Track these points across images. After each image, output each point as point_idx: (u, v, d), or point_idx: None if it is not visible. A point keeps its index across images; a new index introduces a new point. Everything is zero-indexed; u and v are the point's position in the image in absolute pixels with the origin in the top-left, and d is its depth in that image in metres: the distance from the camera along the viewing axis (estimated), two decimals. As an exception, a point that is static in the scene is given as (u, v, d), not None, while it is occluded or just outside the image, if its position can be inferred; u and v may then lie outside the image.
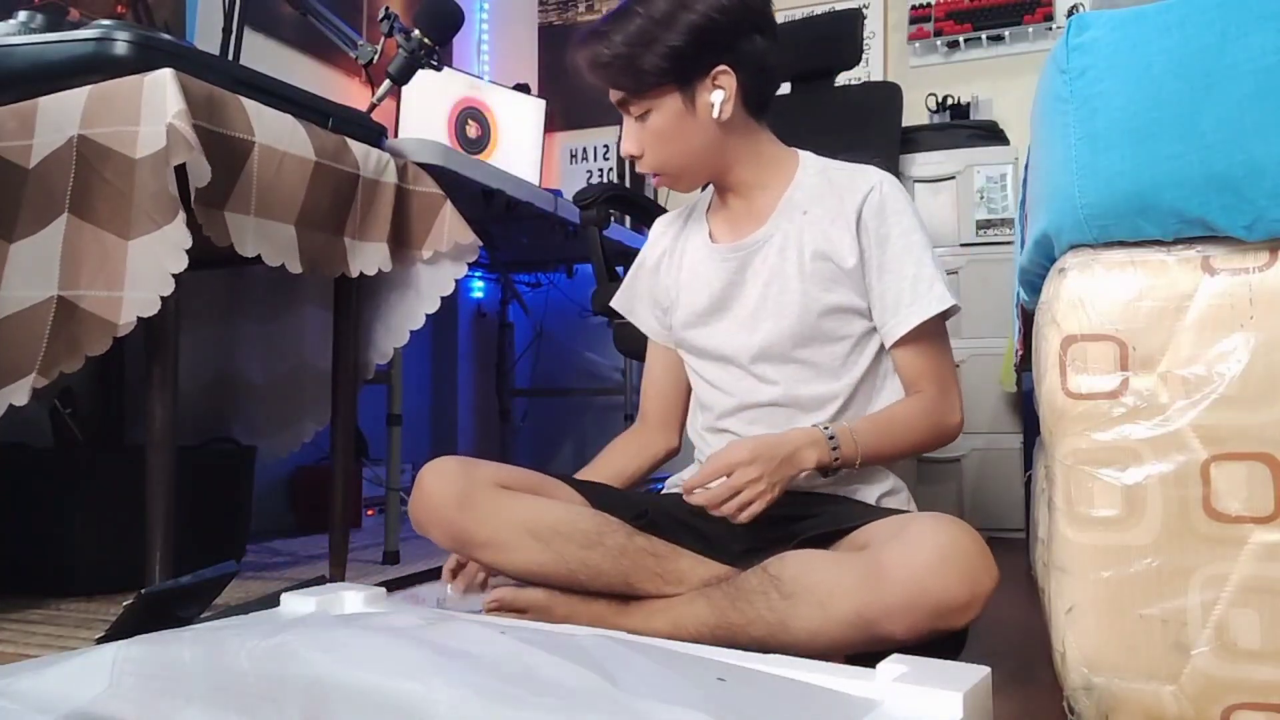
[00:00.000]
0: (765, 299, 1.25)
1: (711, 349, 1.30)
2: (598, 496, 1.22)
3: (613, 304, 1.48)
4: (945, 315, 1.22)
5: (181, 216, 1.23)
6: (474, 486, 1.16)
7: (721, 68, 1.19)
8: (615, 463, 1.39)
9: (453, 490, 1.15)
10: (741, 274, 1.28)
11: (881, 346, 1.25)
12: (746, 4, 1.20)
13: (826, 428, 1.15)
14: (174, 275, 1.23)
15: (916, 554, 0.96)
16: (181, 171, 1.24)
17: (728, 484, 1.08)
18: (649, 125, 1.21)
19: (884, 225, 1.22)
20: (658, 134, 1.21)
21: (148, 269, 1.23)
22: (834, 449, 1.13)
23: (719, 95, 1.19)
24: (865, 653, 0.99)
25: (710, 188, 1.37)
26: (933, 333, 1.22)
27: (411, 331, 1.75)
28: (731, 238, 1.30)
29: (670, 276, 1.37)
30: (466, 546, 1.17)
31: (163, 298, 1.24)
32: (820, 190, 1.26)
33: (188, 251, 1.24)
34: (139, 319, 1.24)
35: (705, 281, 1.30)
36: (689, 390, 1.40)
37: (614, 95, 1.22)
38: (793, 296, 1.23)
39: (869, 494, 1.23)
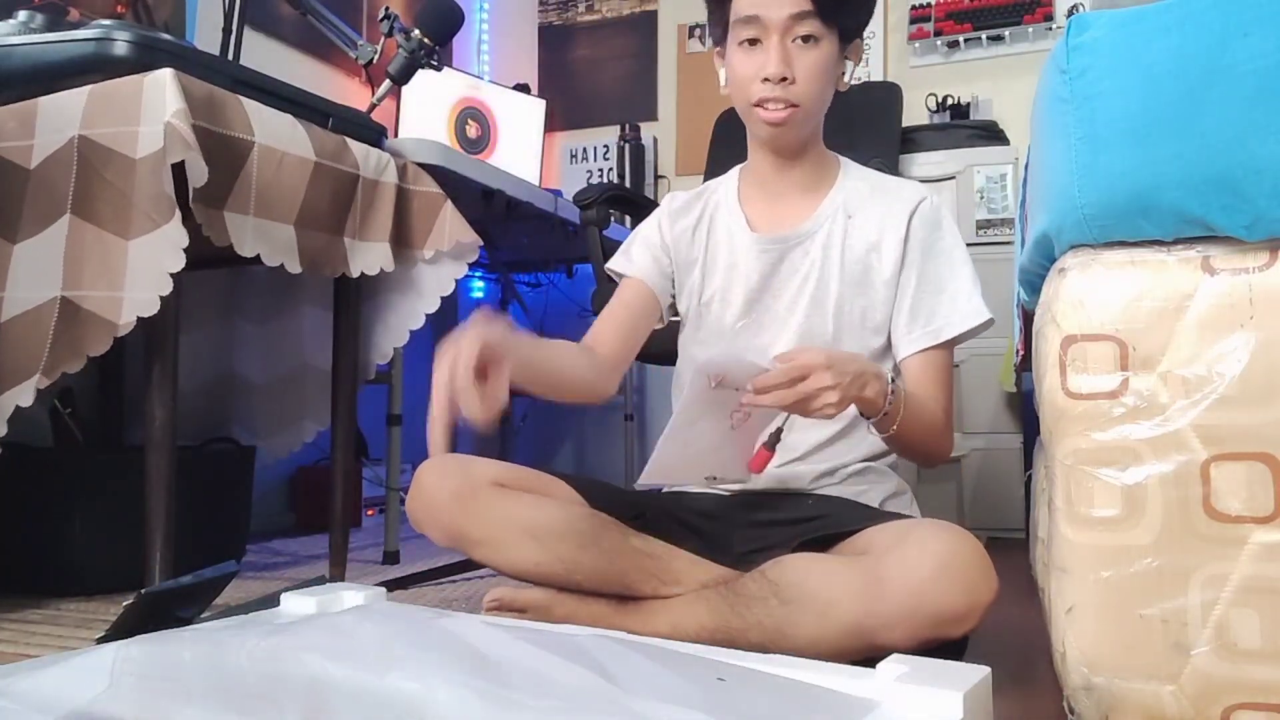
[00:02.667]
0: (802, 294, 1.25)
1: (731, 334, 1.28)
2: (596, 496, 1.21)
3: (609, 264, 1.40)
4: (976, 331, 1.23)
5: (178, 216, 1.23)
6: (471, 485, 1.15)
7: (857, 41, 1.21)
8: (565, 360, 1.23)
9: (450, 488, 1.15)
10: (778, 267, 1.26)
11: (894, 366, 1.24)
12: None
13: (894, 378, 1.11)
14: (173, 275, 1.23)
15: (916, 564, 0.95)
16: (180, 171, 1.24)
17: (801, 387, 1.00)
18: (815, 54, 1.16)
19: (933, 235, 1.23)
20: (820, 65, 1.16)
21: (147, 269, 1.23)
22: (891, 394, 1.08)
23: (850, 66, 1.22)
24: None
25: (728, 178, 1.36)
26: (945, 355, 1.23)
27: (412, 331, 1.75)
28: (771, 229, 1.28)
29: (698, 248, 1.32)
30: (463, 544, 1.16)
31: (162, 297, 1.24)
32: (866, 196, 1.26)
33: (187, 251, 1.24)
34: (139, 319, 1.24)
35: (743, 272, 1.27)
36: (641, 344, 1.34)
37: (790, 6, 1.13)
38: (830, 297, 1.23)
39: (874, 496, 1.23)
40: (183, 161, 1.23)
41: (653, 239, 1.36)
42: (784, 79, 1.16)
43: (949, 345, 1.22)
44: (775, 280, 1.27)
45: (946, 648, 0.98)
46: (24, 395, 1.23)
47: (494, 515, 1.13)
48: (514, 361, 1.00)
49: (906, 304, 1.22)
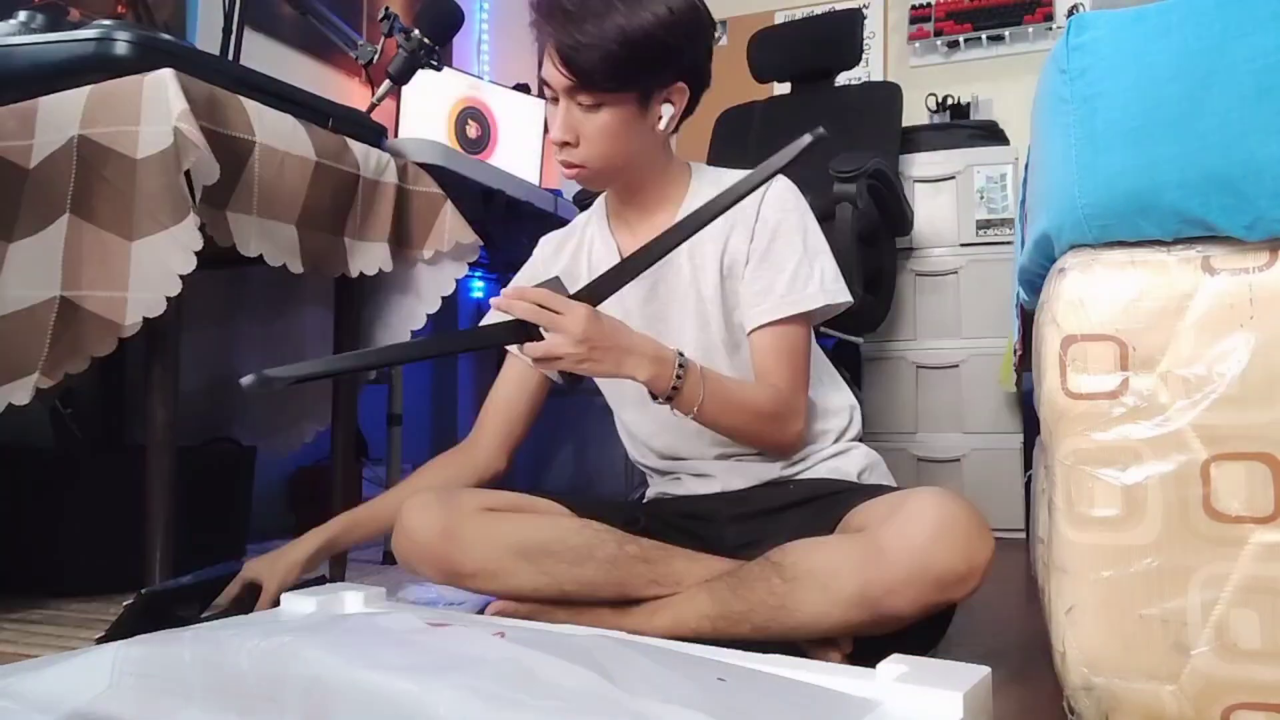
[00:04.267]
0: (685, 312, 1.24)
1: None
2: (585, 510, 1.19)
3: (478, 330, 1.37)
4: (815, 315, 1.21)
5: (192, 219, 1.23)
6: (456, 516, 1.12)
7: (679, 84, 1.19)
8: (433, 481, 1.29)
9: (435, 524, 1.12)
10: (656, 289, 1.26)
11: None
12: (707, 23, 1.19)
13: (682, 356, 1.11)
14: (181, 276, 1.24)
15: (915, 529, 0.97)
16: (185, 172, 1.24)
17: (545, 344, 1.05)
18: (595, 120, 1.16)
19: (782, 215, 1.21)
20: (603, 131, 1.16)
21: (152, 270, 1.23)
22: (678, 378, 1.09)
23: (669, 109, 1.19)
24: (869, 636, 1.00)
25: (595, 208, 1.35)
26: (795, 331, 1.20)
27: (413, 332, 1.76)
28: None
29: (582, 283, 1.29)
30: (456, 579, 1.13)
31: (167, 298, 1.23)
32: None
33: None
34: (143, 320, 1.24)
35: (628, 303, 1.25)
36: (534, 414, 1.36)
37: (560, 79, 1.15)
38: (711, 307, 1.23)
39: (849, 469, 1.24)
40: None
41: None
42: (566, 143, 1.18)
43: (795, 321, 1.19)
44: (657, 304, 1.26)
45: (936, 619, 1.02)
46: (19, 394, 1.22)
47: (483, 543, 1.11)
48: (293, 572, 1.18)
49: (750, 280, 1.21)
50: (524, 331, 1.06)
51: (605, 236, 1.32)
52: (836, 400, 1.30)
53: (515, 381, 1.36)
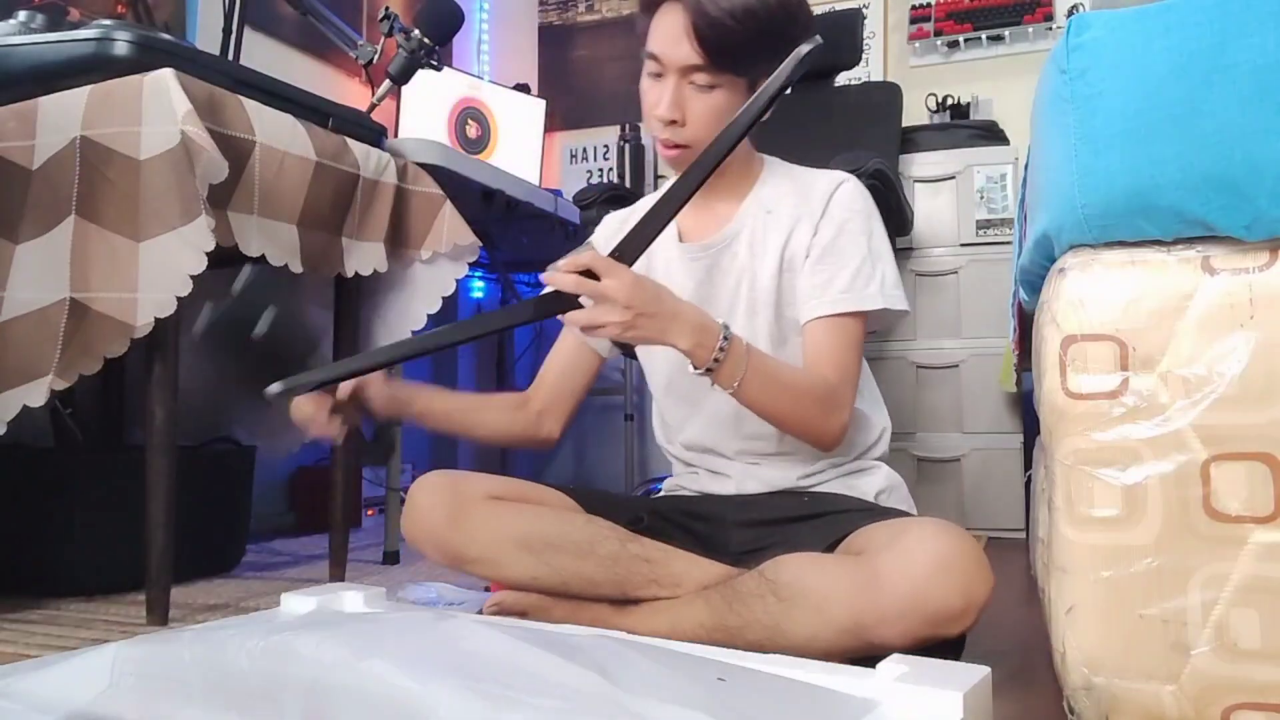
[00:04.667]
0: (737, 298, 1.23)
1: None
2: (592, 505, 1.20)
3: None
4: (871, 319, 1.19)
5: (203, 219, 1.24)
6: (463, 502, 1.14)
7: None
8: (487, 417, 1.32)
9: (442, 507, 1.14)
10: (711, 274, 1.26)
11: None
12: (810, 21, 1.18)
13: (728, 329, 1.08)
14: (191, 276, 1.24)
15: (913, 561, 0.95)
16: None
17: (588, 312, 1.03)
18: (707, 101, 1.14)
19: (850, 215, 1.20)
20: (713, 112, 1.14)
21: (161, 270, 1.24)
22: (720, 349, 1.06)
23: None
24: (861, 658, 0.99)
25: (659, 191, 1.35)
26: (851, 328, 1.18)
27: (414, 332, 1.75)
28: (699, 236, 1.28)
29: (637, 266, 1.33)
30: (459, 563, 1.15)
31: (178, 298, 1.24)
32: (785, 190, 1.25)
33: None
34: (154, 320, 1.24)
35: (678, 283, 1.25)
36: (588, 385, 1.35)
37: (683, 55, 1.12)
38: (764, 295, 1.22)
39: (867, 489, 1.23)
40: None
41: None
42: (673, 121, 1.16)
43: (852, 319, 1.18)
44: (709, 288, 1.26)
45: (945, 648, 0.98)
46: (34, 395, 1.23)
47: (487, 531, 1.13)
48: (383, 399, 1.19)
49: (811, 273, 1.20)
50: (566, 302, 1.04)
51: None
52: (873, 417, 1.28)
53: (567, 352, 1.35)
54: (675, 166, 1.21)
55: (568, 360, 1.35)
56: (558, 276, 1.03)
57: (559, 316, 1.07)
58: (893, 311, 1.20)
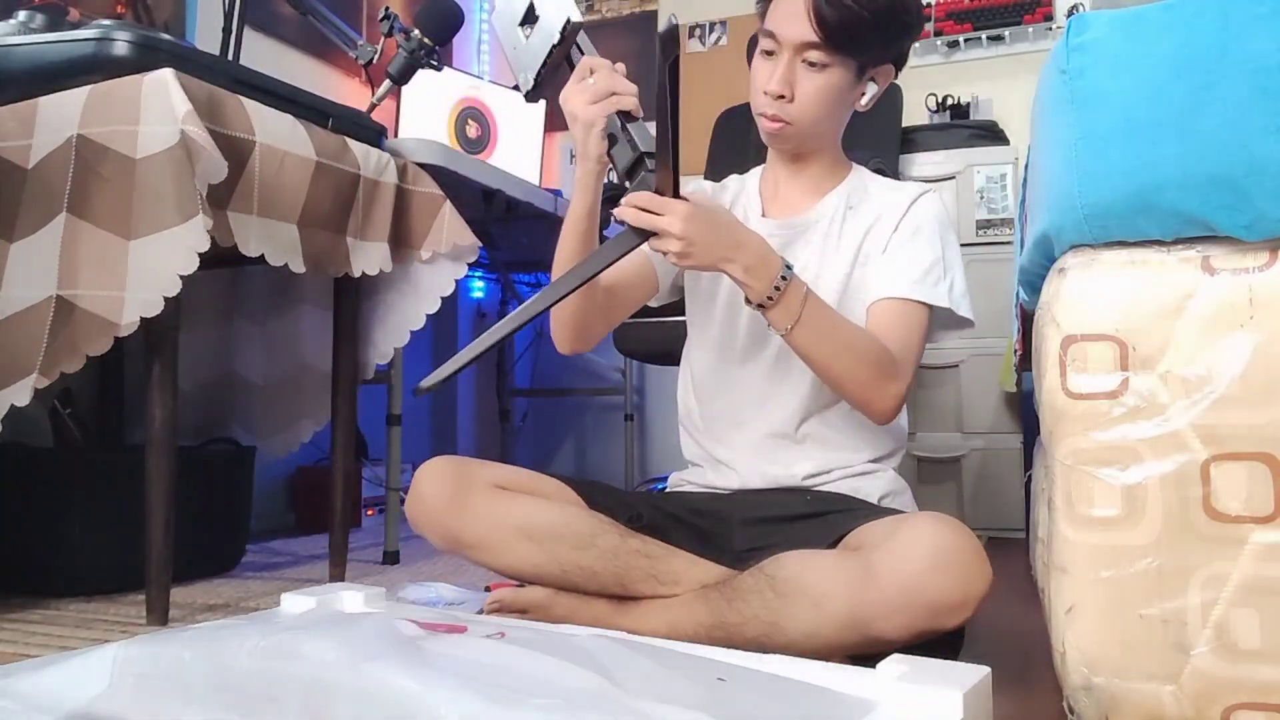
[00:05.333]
0: (804, 278, 1.23)
1: (738, 318, 1.28)
2: (595, 497, 1.22)
3: None
4: (936, 318, 1.21)
5: (199, 219, 1.23)
6: (467, 488, 1.15)
7: (888, 66, 1.22)
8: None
9: (445, 492, 1.15)
10: (784, 251, 1.24)
11: None
12: (922, 14, 1.23)
13: (789, 268, 1.09)
14: (182, 276, 1.24)
15: (910, 554, 0.96)
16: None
17: (655, 242, 1.05)
18: (817, 80, 1.17)
19: (930, 223, 1.23)
20: (822, 92, 1.17)
21: (151, 269, 1.23)
22: (776, 288, 1.07)
23: (873, 88, 1.22)
24: (862, 655, 0.99)
25: (754, 170, 1.37)
26: (917, 315, 1.20)
27: (412, 332, 1.76)
28: (781, 216, 1.30)
29: None
30: (459, 548, 1.16)
31: (165, 298, 1.23)
32: (869, 192, 1.28)
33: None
34: (140, 319, 1.24)
35: None
36: (634, 309, 1.34)
37: (800, 32, 1.14)
38: (830, 283, 1.23)
39: (871, 491, 1.23)
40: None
41: None
42: (781, 96, 1.17)
43: (919, 307, 1.19)
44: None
45: (945, 642, 0.98)
46: (20, 395, 1.22)
47: (489, 518, 1.14)
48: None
49: (884, 262, 1.22)
50: (640, 235, 1.07)
51: (751, 194, 1.35)
52: (894, 429, 1.28)
53: (631, 275, 1.32)
54: (775, 141, 1.24)
55: (623, 277, 1.31)
56: (624, 211, 1.06)
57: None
58: (956, 317, 1.22)
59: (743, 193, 1.36)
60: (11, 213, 1.29)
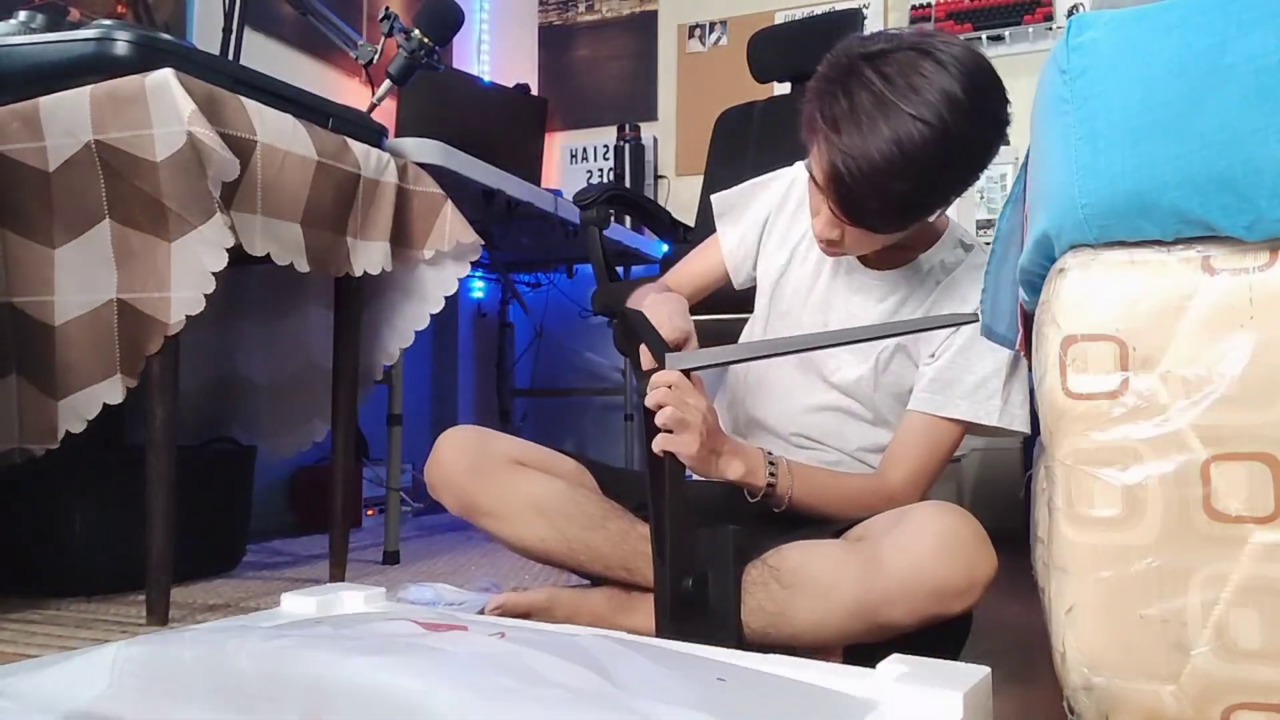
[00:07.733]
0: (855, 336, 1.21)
1: (797, 312, 1.29)
2: (609, 481, 1.25)
3: (714, 196, 1.40)
4: (990, 430, 1.19)
5: (219, 217, 1.26)
6: (487, 458, 1.20)
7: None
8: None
9: (466, 460, 1.20)
10: (852, 292, 1.27)
11: None
12: (997, 139, 1.18)
13: (771, 456, 1.13)
14: (214, 273, 1.28)
15: (916, 540, 0.97)
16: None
17: (666, 439, 1.04)
18: (860, 230, 1.12)
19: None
20: (876, 239, 1.15)
21: (189, 268, 1.27)
22: (770, 476, 1.12)
23: (939, 209, 1.17)
24: (866, 645, 1.00)
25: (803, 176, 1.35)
26: (950, 432, 1.18)
27: (416, 332, 1.76)
28: (874, 263, 1.26)
29: (780, 231, 1.33)
30: (473, 514, 1.20)
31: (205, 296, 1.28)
32: (953, 266, 1.23)
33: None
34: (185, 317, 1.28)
35: (808, 278, 1.29)
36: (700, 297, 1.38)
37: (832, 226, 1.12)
38: (880, 344, 1.21)
39: None
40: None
41: (759, 217, 1.36)
42: (830, 240, 1.15)
43: (953, 424, 1.18)
44: (843, 304, 1.26)
45: (950, 633, 0.99)
46: (111, 393, 1.29)
47: (506, 490, 1.18)
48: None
49: (933, 366, 1.20)
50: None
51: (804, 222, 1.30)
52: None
53: (709, 275, 1.40)
54: (833, 257, 1.23)
55: (699, 278, 1.40)
56: (657, 394, 1.05)
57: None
58: (1007, 431, 1.18)
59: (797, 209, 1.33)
60: (46, 219, 1.32)
